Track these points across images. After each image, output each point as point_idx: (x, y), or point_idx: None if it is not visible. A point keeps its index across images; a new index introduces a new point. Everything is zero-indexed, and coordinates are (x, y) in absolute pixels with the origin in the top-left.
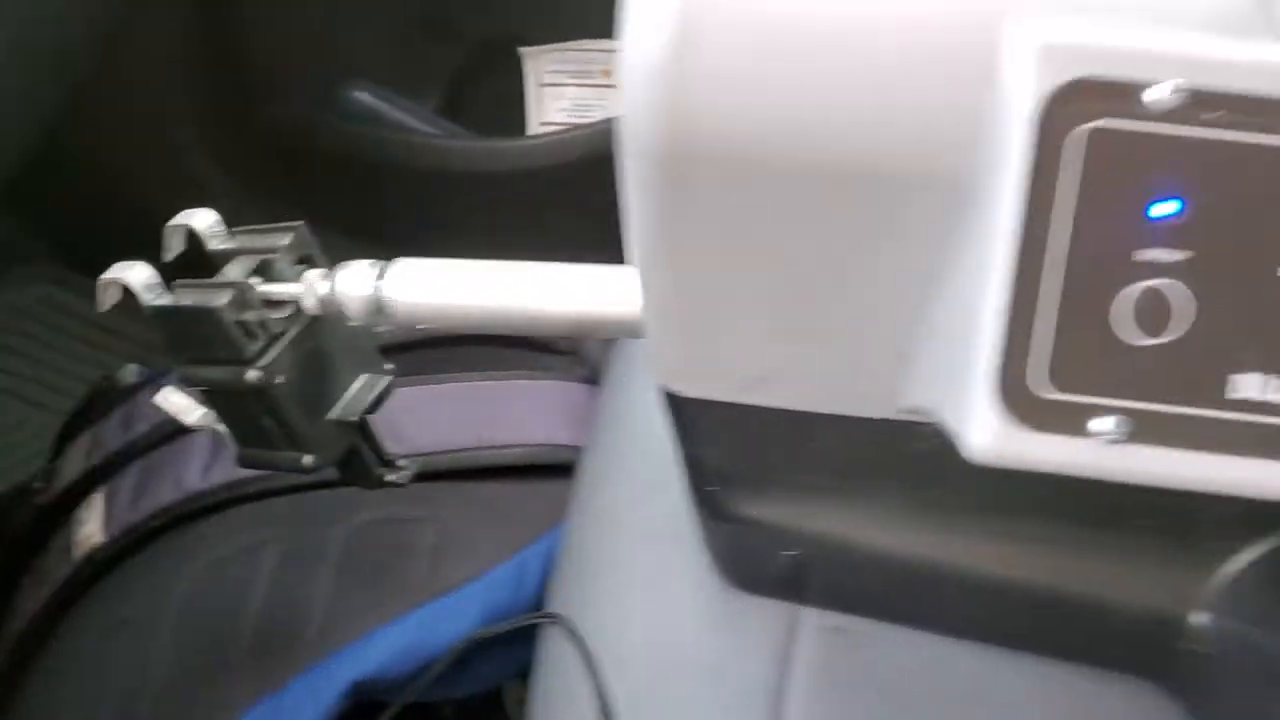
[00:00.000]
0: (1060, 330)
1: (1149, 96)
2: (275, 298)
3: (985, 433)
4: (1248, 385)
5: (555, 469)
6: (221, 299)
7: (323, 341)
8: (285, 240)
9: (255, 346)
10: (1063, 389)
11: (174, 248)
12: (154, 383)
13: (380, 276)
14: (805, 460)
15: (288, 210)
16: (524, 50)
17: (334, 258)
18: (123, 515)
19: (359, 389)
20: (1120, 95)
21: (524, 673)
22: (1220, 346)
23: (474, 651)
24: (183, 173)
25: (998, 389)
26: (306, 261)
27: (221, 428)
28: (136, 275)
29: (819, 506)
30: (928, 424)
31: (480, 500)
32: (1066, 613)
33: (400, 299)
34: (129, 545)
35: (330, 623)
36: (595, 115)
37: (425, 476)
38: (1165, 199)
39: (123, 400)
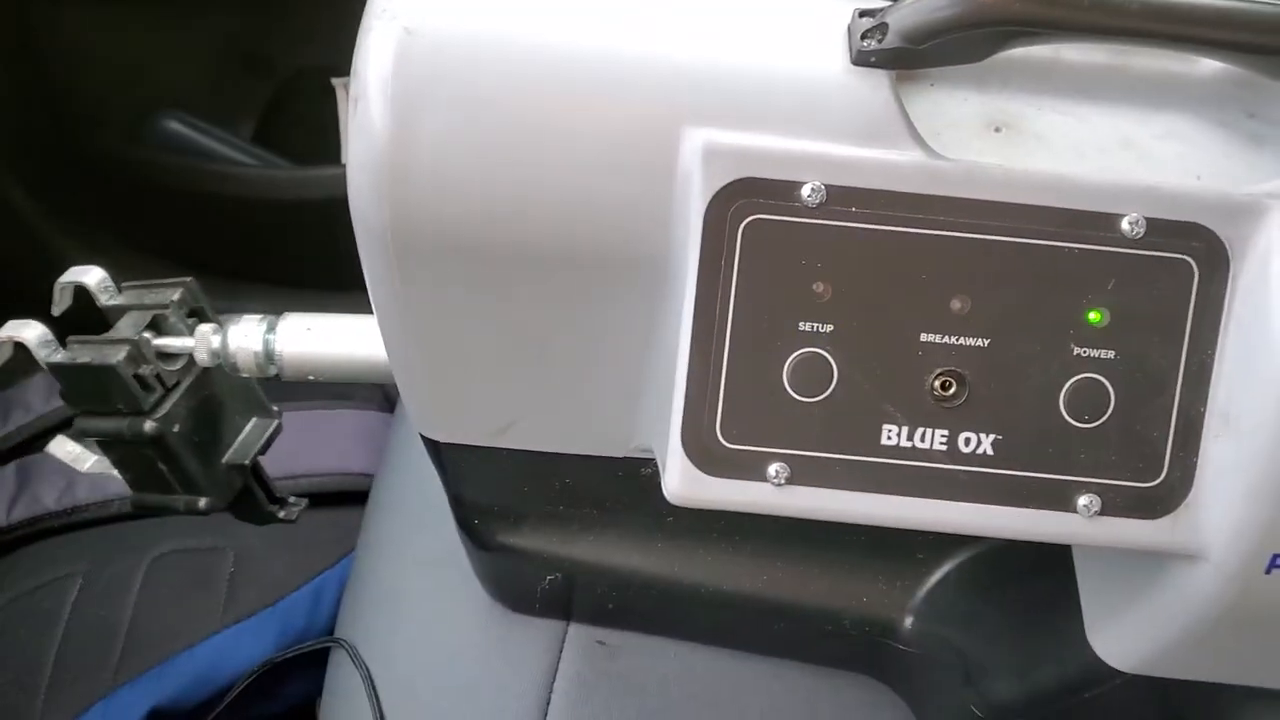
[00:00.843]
0: (731, 390)
1: (796, 194)
2: (169, 351)
3: (675, 479)
4: (894, 435)
5: (351, 496)
6: (118, 354)
7: (214, 390)
8: (175, 295)
9: (152, 399)
10: (737, 441)
11: (63, 303)
12: None
13: (270, 330)
14: (556, 494)
15: (103, 239)
16: (336, 80)
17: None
18: None
19: (249, 432)
20: (773, 192)
21: None
22: (867, 403)
23: (272, 674)
24: None
25: (684, 441)
26: (196, 315)
27: (115, 474)
28: (31, 333)
29: (572, 534)
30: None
31: (276, 529)
32: (797, 620)
33: (288, 351)
34: None
35: (130, 651)
36: None
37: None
38: (814, 279)
39: None
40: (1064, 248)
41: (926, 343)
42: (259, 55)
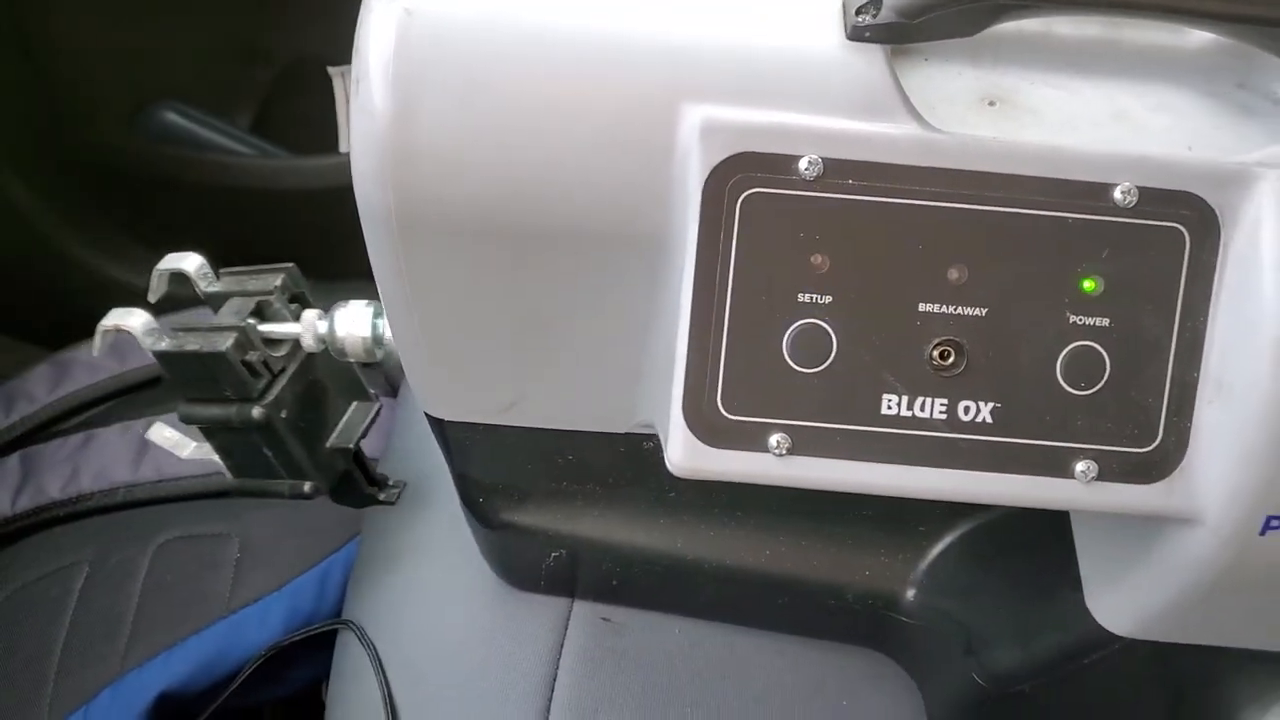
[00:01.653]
0: (732, 362)
1: (794, 167)
2: (275, 337)
3: (677, 450)
4: (894, 405)
5: None
6: (227, 341)
7: (318, 374)
8: (277, 281)
9: (259, 384)
10: (737, 412)
11: (160, 289)
12: None
13: (379, 314)
14: (560, 471)
15: (102, 231)
16: (333, 69)
17: (145, 274)
18: None
19: (351, 416)
20: (771, 166)
21: None
22: (867, 373)
23: (279, 658)
24: None
25: (686, 413)
26: (297, 300)
27: (215, 459)
28: (136, 321)
29: (575, 511)
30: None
31: (282, 513)
32: (801, 594)
33: None
34: None
35: (138, 636)
36: None
37: (228, 493)
38: (812, 251)
39: None
40: (1058, 217)
41: (925, 312)
42: (256, 45)
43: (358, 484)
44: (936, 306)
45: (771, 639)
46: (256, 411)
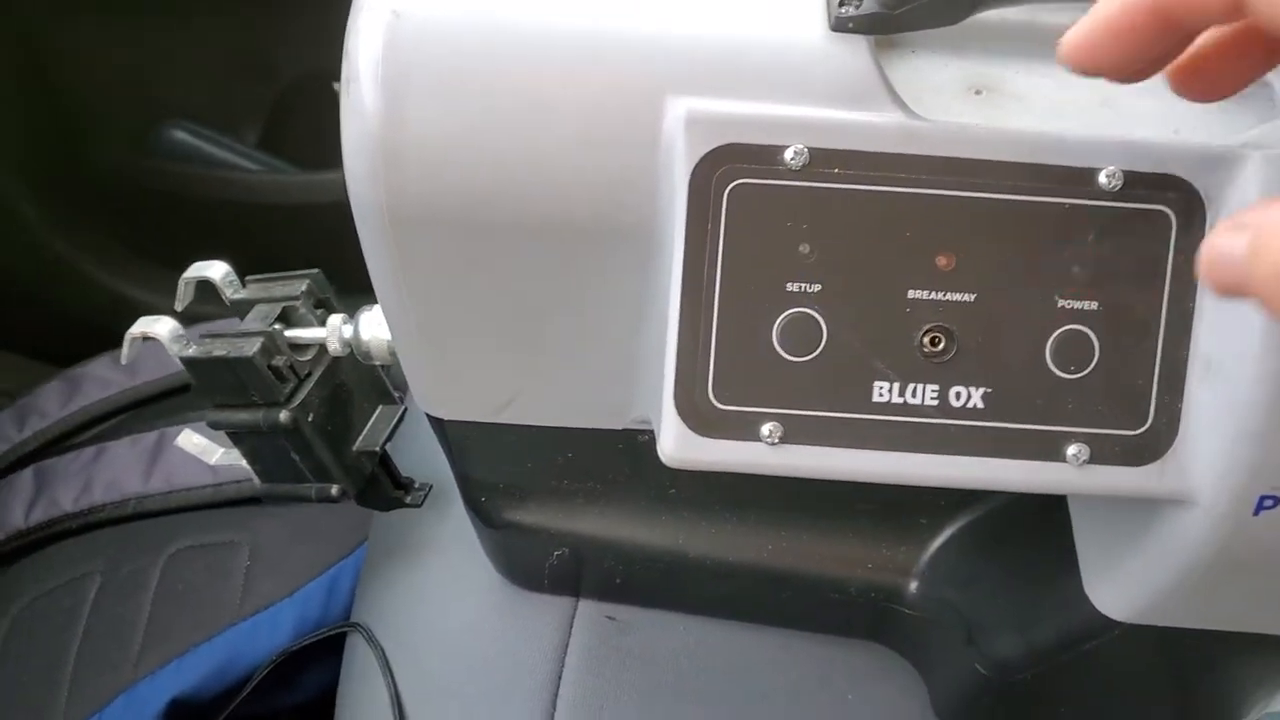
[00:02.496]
0: (722, 352)
1: (779, 157)
2: (300, 342)
3: (669, 441)
4: (885, 392)
5: None
6: (253, 346)
7: (344, 378)
8: (302, 287)
9: (286, 389)
10: (729, 402)
11: (186, 298)
12: None
13: None
14: (560, 469)
15: (112, 249)
16: (338, 84)
17: (162, 292)
18: None
19: (377, 419)
20: (757, 157)
21: None
22: (857, 361)
23: (291, 664)
24: (8, 220)
25: (677, 403)
26: (322, 306)
27: (243, 465)
28: (163, 328)
29: (576, 508)
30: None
31: (291, 521)
32: (804, 589)
33: None
34: None
35: (150, 644)
36: None
37: (238, 501)
38: (800, 240)
39: None
40: (1044, 202)
41: (914, 299)
42: (261, 62)
43: (384, 487)
44: (925, 293)
45: (776, 635)
46: (283, 416)
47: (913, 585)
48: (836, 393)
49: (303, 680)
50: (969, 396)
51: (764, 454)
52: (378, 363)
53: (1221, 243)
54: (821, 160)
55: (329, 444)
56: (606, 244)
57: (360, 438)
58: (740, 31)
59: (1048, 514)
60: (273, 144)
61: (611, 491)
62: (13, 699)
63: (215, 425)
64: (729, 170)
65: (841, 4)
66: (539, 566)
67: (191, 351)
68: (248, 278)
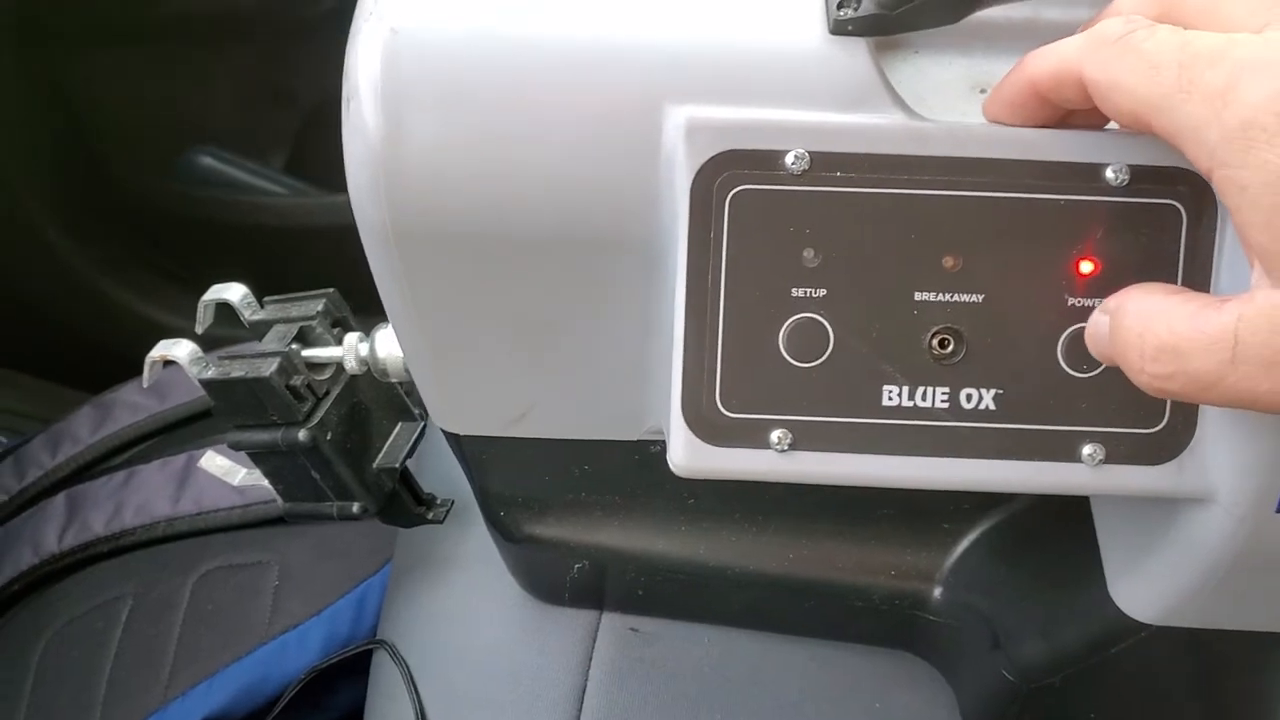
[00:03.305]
0: (729, 360)
1: (780, 162)
2: (318, 361)
3: (679, 450)
4: (894, 395)
5: None
6: (270, 366)
7: (361, 396)
8: (319, 306)
9: (305, 408)
10: (737, 410)
11: (206, 320)
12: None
13: None
14: (576, 481)
15: (139, 274)
16: None
17: (190, 316)
18: None
19: (396, 436)
20: (758, 163)
21: None
22: (865, 365)
23: (320, 684)
24: (37, 248)
25: (685, 413)
26: (339, 324)
27: (266, 485)
28: (182, 351)
29: (595, 521)
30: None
31: (319, 540)
32: (828, 598)
33: None
34: None
35: (181, 665)
36: None
37: (265, 522)
38: (804, 245)
39: None
40: (1051, 200)
41: (921, 301)
42: (284, 87)
43: (405, 503)
44: (933, 295)
45: (802, 644)
46: (302, 434)
47: (937, 591)
48: (845, 398)
49: (333, 701)
50: (980, 398)
51: (774, 461)
52: (394, 380)
53: (1092, 322)
54: (823, 164)
55: (349, 462)
56: (609, 255)
57: (380, 455)
58: (738, 37)
59: (1071, 516)
60: (298, 168)
61: (630, 503)
62: None
63: (236, 446)
64: (730, 177)
65: (840, 6)
66: (560, 580)
67: (210, 373)
68: (265, 299)
